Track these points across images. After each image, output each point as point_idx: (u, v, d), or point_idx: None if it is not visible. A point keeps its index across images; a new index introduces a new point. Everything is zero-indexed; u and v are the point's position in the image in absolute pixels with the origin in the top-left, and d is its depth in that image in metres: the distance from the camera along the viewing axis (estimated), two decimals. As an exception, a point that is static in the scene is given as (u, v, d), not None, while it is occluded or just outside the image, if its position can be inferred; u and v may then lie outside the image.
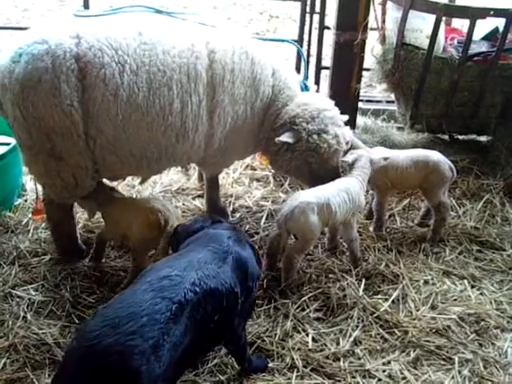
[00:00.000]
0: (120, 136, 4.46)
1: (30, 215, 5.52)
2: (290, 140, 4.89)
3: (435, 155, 5.39)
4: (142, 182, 5.41)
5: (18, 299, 4.54)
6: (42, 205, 5.07)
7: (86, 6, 7.07)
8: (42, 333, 4.18)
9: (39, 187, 5.11)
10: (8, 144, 5.59)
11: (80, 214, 5.48)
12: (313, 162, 5.01)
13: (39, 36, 4.27)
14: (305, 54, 7.46)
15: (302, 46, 7.39)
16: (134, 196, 5.73)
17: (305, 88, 5.28)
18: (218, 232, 3.73)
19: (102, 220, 5.39)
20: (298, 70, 7.29)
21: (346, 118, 5.29)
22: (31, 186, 5.95)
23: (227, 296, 3.35)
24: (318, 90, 7.27)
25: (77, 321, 4.35)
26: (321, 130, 4.94)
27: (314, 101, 5.10)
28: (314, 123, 4.94)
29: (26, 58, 4.17)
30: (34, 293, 4.62)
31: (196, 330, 3.15)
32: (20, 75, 4.18)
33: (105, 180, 5.04)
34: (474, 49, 6.40)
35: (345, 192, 4.75)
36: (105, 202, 4.84)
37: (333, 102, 5.25)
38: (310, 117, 4.95)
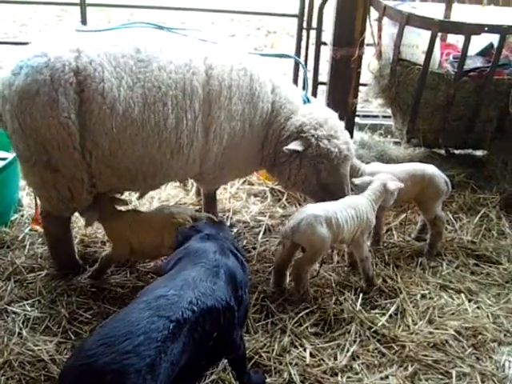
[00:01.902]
0: (115, 150, 4.49)
1: (27, 230, 5.51)
2: (299, 147, 4.87)
3: (431, 169, 5.41)
4: (139, 197, 5.41)
5: (13, 315, 4.51)
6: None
7: (84, 21, 7.11)
8: (38, 349, 4.14)
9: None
10: (4, 159, 5.58)
11: (77, 229, 5.48)
12: (322, 170, 4.98)
13: (39, 49, 4.33)
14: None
15: (298, 62, 7.45)
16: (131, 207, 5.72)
17: (307, 101, 5.23)
18: (201, 247, 3.68)
19: (98, 235, 5.42)
20: (295, 84, 7.34)
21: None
22: (27, 201, 5.97)
23: (224, 312, 3.33)
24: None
25: (73, 337, 4.32)
26: (330, 135, 4.95)
27: (318, 110, 5.12)
28: (322, 129, 4.93)
29: (25, 70, 4.24)
30: (29, 309, 4.59)
31: (194, 348, 3.13)
32: (19, 87, 4.23)
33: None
34: (469, 64, 6.43)
35: (353, 209, 4.74)
36: (108, 216, 4.81)
37: (335, 113, 5.25)
38: (317, 123, 4.94)
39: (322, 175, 5.01)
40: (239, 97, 4.79)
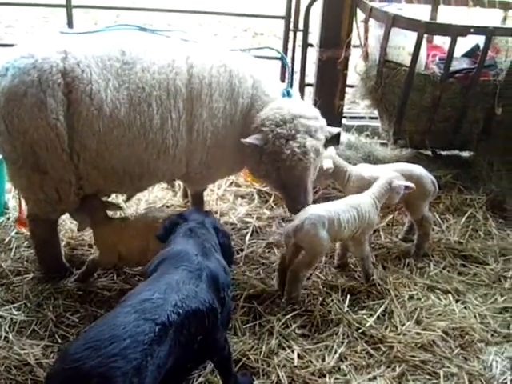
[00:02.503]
0: (103, 151, 4.50)
1: (13, 233, 5.48)
2: (257, 142, 4.74)
3: (418, 169, 5.42)
4: (126, 200, 5.39)
5: (-1, 319, 4.51)
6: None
7: (70, 23, 7.09)
8: (24, 353, 4.12)
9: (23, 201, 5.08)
10: (-10, 162, 5.55)
11: (63, 232, 5.45)
12: (280, 168, 4.82)
13: (26, 51, 4.34)
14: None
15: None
16: (119, 214, 5.69)
17: (287, 94, 5.11)
18: (183, 250, 3.67)
19: (85, 238, 5.39)
20: (283, 81, 7.34)
21: (336, 130, 5.19)
22: (13, 203, 5.93)
23: (208, 314, 3.34)
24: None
25: (60, 340, 4.31)
26: (290, 135, 4.72)
27: (290, 106, 4.87)
28: (284, 127, 4.73)
29: (12, 71, 4.25)
30: (16, 312, 4.57)
31: (180, 351, 3.14)
32: (6, 88, 4.25)
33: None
34: (456, 66, 6.45)
35: (355, 208, 4.75)
36: (99, 221, 4.79)
37: (318, 112, 5.04)
38: (281, 120, 4.74)
39: (281, 174, 4.87)
40: (220, 93, 4.77)
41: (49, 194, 4.59)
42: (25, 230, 5.43)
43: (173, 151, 4.72)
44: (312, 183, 5.04)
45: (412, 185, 4.98)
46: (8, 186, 6.02)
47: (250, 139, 4.73)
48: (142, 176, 4.77)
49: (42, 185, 4.54)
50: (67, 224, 5.61)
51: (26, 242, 5.35)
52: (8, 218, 5.77)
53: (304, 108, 4.95)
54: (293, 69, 7.14)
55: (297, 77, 7.61)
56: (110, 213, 4.97)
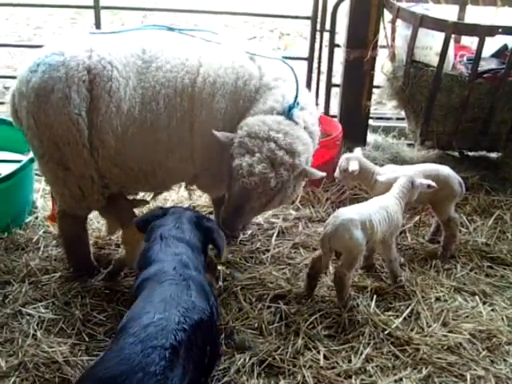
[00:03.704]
0: (120, 149, 4.55)
1: (41, 232, 5.55)
2: (222, 138, 4.48)
3: (445, 170, 5.39)
4: (152, 198, 5.43)
5: (27, 317, 4.55)
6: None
7: (98, 24, 7.15)
8: (52, 351, 4.17)
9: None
10: (19, 161, 5.62)
11: (91, 232, 5.50)
12: (231, 175, 4.53)
13: (57, 48, 4.44)
14: (315, 71, 7.52)
15: (312, 64, 7.43)
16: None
17: (288, 111, 4.56)
18: (160, 269, 3.61)
19: (112, 238, 5.43)
20: (308, 87, 7.35)
21: (320, 174, 4.62)
22: (42, 203, 6.00)
23: (211, 322, 3.32)
24: (327, 110, 7.34)
25: (87, 339, 4.36)
26: (251, 150, 4.37)
27: (274, 127, 4.41)
28: (253, 140, 4.38)
29: (43, 67, 4.35)
30: (44, 310, 4.63)
31: (193, 368, 3.10)
32: (36, 84, 4.34)
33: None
34: (484, 66, 6.40)
35: (385, 210, 4.73)
36: (127, 222, 4.79)
37: (305, 151, 4.52)
38: (255, 133, 4.39)
39: (230, 181, 4.59)
40: (222, 94, 4.60)
41: (72, 190, 4.66)
42: (53, 223, 5.53)
43: (179, 150, 4.69)
44: (255, 211, 4.67)
45: (434, 184, 4.96)
46: (36, 185, 6.09)
47: (220, 133, 4.49)
48: (154, 174, 4.78)
49: (66, 180, 4.62)
50: (95, 224, 5.66)
51: (54, 241, 5.41)
52: (36, 218, 5.83)
53: (288, 138, 4.42)
54: (319, 76, 7.21)
55: (323, 77, 7.63)
56: (137, 212, 4.99)
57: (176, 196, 6.24)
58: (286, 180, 4.43)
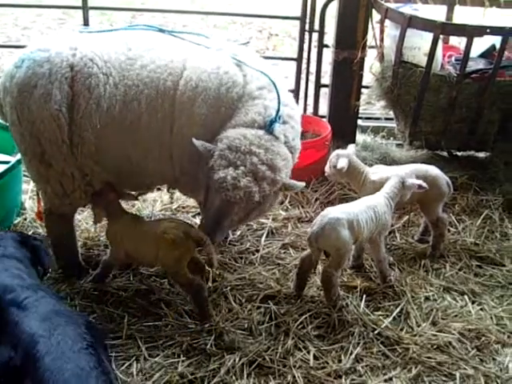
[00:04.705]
0: (100, 146, 4.55)
1: (29, 233, 5.50)
2: (201, 148, 4.36)
3: (434, 170, 5.41)
4: (135, 197, 5.41)
5: (17, 318, 4.53)
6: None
7: (86, 25, 7.13)
8: (42, 352, 4.16)
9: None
10: (7, 162, 5.58)
11: (80, 232, 5.48)
12: (209, 187, 4.43)
13: (43, 45, 4.48)
14: (304, 71, 7.53)
15: (301, 64, 7.45)
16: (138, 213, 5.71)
17: (269, 126, 4.45)
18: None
19: (101, 239, 5.42)
20: (297, 87, 7.38)
21: (300, 185, 4.55)
22: (30, 204, 5.97)
23: None
24: (316, 110, 7.35)
25: (77, 339, 4.34)
26: (234, 163, 4.26)
27: (255, 141, 4.34)
28: (234, 154, 4.27)
29: (27, 63, 4.39)
30: (33, 312, 4.60)
31: None
32: (20, 79, 4.38)
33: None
34: (472, 66, 6.42)
35: (372, 210, 4.74)
36: (113, 214, 4.77)
37: (285, 168, 4.45)
38: (236, 147, 4.29)
39: (208, 193, 4.52)
40: (204, 99, 4.50)
41: (54, 187, 4.67)
42: (41, 230, 5.49)
43: (158, 151, 4.64)
44: (233, 224, 4.59)
45: (425, 184, 4.96)
46: (25, 186, 6.07)
47: (199, 143, 4.37)
48: (134, 174, 4.77)
49: (48, 177, 4.64)
50: (83, 224, 5.64)
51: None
52: (25, 219, 5.79)
53: (269, 154, 4.35)
54: (308, 76, 7.21)
55: (312, 78, 7.65)
56: (126, 206, 4.93)
57: (166, 197, 6.21)
58: (267, 194, 4.37)
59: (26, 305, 3.48)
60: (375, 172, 5.29)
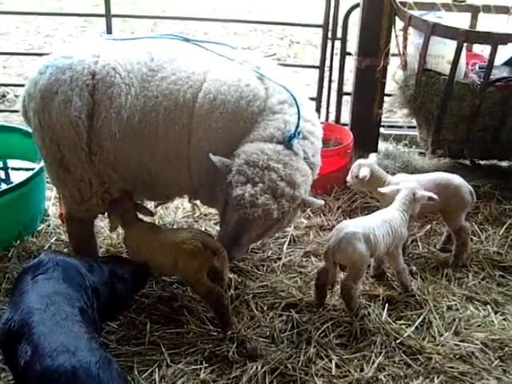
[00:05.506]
0: (118, 155, 4.57)
1: (53, 239, 5.56)
2: (219, 164, 4.32)
3: (456, 179, 5.38)
4: (156, 206, 5.44)
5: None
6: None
7: (109, 32, 7.20)
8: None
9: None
10: (31, 169, 5.65)
11: (102, 239, 5.53)
12: (227, 202, 4.39)
13: (67, 52, 4.56)
14: (326, 79, 7.53)
15: (323, 72, 7.45)
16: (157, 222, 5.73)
17: (287, 142, 4.41)
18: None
19: (124, 246, 5.43)
20: (319, 95, 7.37)
21: (320, 203, 4.55)
22: (53, 211, 6.01)
23: None
24: (338, 118, 7.34)
25: (100, 346, 4.36)
26: (252, 179, 4.22)
27: (274, 156, 4.29)
28: (252, 169, 4.23)
29: (50, 70, 4.46)
30: (57, 317, 4.63)
31: None
32: (43, 86, 4.45)
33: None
34: (496, 74, 6.39)
35: (388, 224, 4.72)
36: (129, 222, 4.77)
37: (304, 183, 4.43)
38: (253, 162, 4.24)
39: (226, 208, 4.47)
40: (222, 112, 4.46)
41: (72, 193, 4.73)
42: (64, 236, 5.55)
43: (175, 163, 4.64)
44: (251, 240, 4.62)
45: (436, 196, 4.93)
46: (48, 193, 6.12)
47: (216, 158, 4.33)
48: (151, 185, 4.79)
49: (67, 183, 4.69)
50: (106, 231, 5.66)
51: (66, 249, 5.41)
52: (48, 225, 5.84)
53: (287, 169, 4.31)
54: (330, 84, 7.19)
55: (334, 86, 7.64)
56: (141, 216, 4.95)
57: (188, 204, 6.21)
58: (286, 211, 4.33)
59: (37, 280, 3.84)
60: (396, 182, 5.27)
